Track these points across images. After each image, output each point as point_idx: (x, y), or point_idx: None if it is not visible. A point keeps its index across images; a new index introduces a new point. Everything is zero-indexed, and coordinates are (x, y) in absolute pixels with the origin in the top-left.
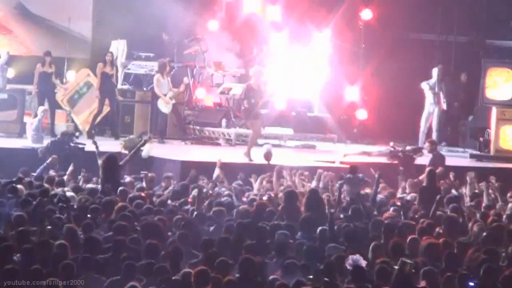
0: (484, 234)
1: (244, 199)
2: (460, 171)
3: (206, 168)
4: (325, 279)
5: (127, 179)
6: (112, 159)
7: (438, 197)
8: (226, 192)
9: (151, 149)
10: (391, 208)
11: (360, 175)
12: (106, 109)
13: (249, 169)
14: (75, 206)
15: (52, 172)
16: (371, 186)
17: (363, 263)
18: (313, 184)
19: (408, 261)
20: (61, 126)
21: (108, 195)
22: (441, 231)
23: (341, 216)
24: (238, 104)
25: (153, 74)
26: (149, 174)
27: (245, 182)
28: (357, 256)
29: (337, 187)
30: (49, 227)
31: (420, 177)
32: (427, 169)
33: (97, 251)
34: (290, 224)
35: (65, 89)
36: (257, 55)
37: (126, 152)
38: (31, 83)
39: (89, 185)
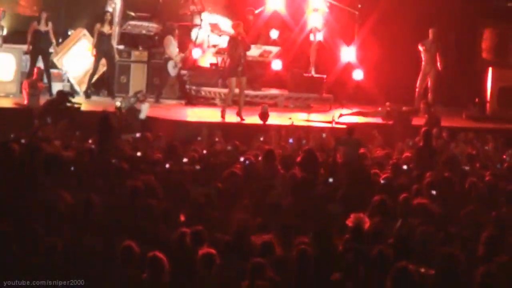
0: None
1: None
2: (456, 132)
3: (200, 128)
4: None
5: (124, 138)
6: (105, 119)
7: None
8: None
9: (147, 109)
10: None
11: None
12: (102, 68)
13: (244, 130)
14: (72, 168)
15: (46, 132)
16: (367, 146)
17: (366, 223)
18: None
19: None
20: (57, 86)
21: (103, 155)
22: (435, 192)
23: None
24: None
25: (150, 34)
26: (145, 134)
27: (241, 142)
28: (360, 215)
29: (333, 147)
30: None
31: (417, 138)
32: (423, 129)
33: (91, 213)
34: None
35: (60, 49)
36: (254, 18)
37: (123, 111)
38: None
39: (85, 145)
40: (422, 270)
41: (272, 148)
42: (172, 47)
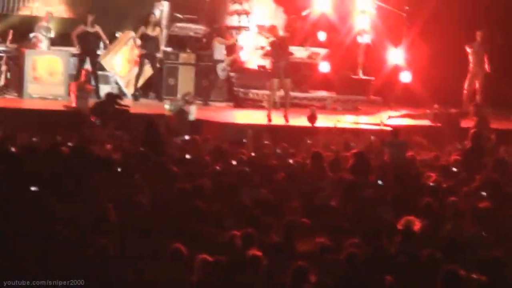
0: None
1: (290, 161)
2: (505, 134)
3: (246, 130)
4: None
5: (174, 141)
6: (151, 126)
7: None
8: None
9: (195, 111)
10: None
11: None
12: (149, 71)
13: (292, 132)
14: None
15: (95, 134)
16: (414, 150)
17: (417, 225)
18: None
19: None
20: (104, 88)
21: (151, 158)
22: (485, 194)
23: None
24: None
25: (197, 37)
26: (194, 136)
27: (288, 145)
28: (410, 218)
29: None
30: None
31: (465, 141)
32: (472, 131)
33: (140, 213)
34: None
35: (108, 51)
36: (301, 21)
37: (170, 114)
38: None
39: (133, 147)
40: (474, 276)
41: (320, 150)
42: (221, 50)
